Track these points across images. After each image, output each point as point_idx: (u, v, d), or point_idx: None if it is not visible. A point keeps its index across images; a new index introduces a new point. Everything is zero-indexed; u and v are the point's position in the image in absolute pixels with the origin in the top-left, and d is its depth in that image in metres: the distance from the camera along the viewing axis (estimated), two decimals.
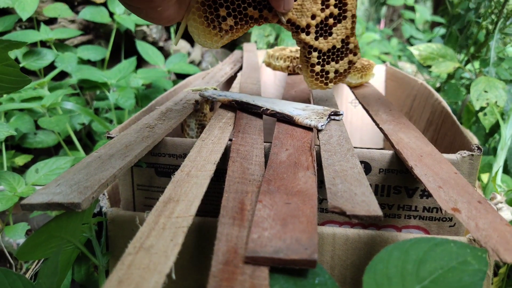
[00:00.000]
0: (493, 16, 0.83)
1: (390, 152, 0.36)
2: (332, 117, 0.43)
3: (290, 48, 0.67)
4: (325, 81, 0.43)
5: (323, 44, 0.41)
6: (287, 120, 0.41)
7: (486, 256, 0.24)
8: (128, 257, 0.21)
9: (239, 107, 0.45)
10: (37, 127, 0.73)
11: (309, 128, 0.40)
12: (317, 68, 0.42)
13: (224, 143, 0.36)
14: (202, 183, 0.29)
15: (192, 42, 1.18)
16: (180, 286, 0.38)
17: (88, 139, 0.85)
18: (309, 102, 0.51)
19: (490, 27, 0.84)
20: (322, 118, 0.41)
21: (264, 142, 0.37)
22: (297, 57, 0.62)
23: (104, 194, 0.42)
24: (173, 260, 0.21)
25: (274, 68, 0.64)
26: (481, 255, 0.25)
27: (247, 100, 0.45)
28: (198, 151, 0.35)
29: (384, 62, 1.34)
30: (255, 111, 0.44)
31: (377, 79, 0.76)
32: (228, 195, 0.28)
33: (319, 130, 0.39)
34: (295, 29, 0.39)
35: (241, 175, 0.30)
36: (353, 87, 0.62)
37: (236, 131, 0.39)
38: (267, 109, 0.43)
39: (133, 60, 0.87)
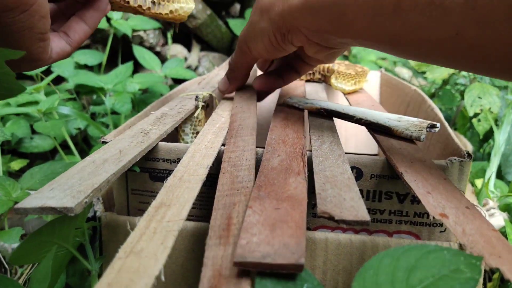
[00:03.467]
0: None
1: (382, 158, 0.37)
2: (428, 129, 0.41)
3: None
4: None
5: None
6: (384, 131, 0.41)
7: (480, 264, 0.24)
8: (118, 262, 0.21)
9: (328, 115, 0.46)
10: (33, 131, 0.73)
11: (301, 134, 0.40)
12: None
13: (217, 147, 0.37)
14: (193, 187, 0.29)
15: (189, 47, 1.18)
16: None
17: (84, 143, 0.85)
18: None
19: None
20: (422, 130, 0.40)
21: (258, 147, 0.38)
22: None
23: (98, 199, 0.42)
24: (163, 262, 0.21)
25: None
26: (475, 262, 0.24)
27: (336, 109, 0.45)
28: (191, 156, 0.35)
29: (380, 67, 1.35)
30: (346, 120, 0.44)
31: (372, 85, 0.77)
32: (216, 213, 0.28)
33: (415, 140, 0.40)
34: None
35: (230, 186, 0.31)
36: (347, 94, 0.63)
37: (229, 136, 0.40)
38: (361, 119, 0.42)
39: (129, 65, 0.88)
